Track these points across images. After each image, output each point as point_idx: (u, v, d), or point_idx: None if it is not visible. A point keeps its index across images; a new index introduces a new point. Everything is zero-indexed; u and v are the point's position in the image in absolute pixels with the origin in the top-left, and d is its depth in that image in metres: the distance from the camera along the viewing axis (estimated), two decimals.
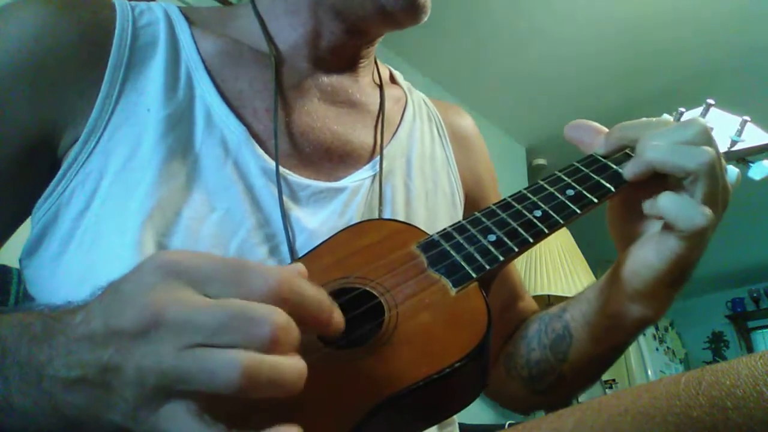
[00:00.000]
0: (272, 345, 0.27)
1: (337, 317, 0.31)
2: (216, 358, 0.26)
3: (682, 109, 0.58)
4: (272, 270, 0.29)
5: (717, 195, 0.41)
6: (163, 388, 0.27)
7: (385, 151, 0.60)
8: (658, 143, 0.43)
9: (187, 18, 0.57)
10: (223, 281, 0.29)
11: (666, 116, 0.50)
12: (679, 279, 0.44)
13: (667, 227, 0.42)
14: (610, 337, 0.51)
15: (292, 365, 0.27)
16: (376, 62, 0.69)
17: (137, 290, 0.29)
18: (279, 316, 0.27)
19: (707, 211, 0.39)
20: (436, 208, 0.61)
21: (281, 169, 0.52)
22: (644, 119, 0.47)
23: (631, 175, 0.44)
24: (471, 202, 0.68)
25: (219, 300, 0.28)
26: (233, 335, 0.27)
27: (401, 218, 0.57)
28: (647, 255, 0.43)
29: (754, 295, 4.94)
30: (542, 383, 0.58)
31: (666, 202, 0.40)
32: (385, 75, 0.70)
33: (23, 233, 0.50)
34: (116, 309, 0.29)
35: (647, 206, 0.42)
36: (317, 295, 0.30)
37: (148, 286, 0.28)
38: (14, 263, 0.55)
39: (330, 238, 0.45)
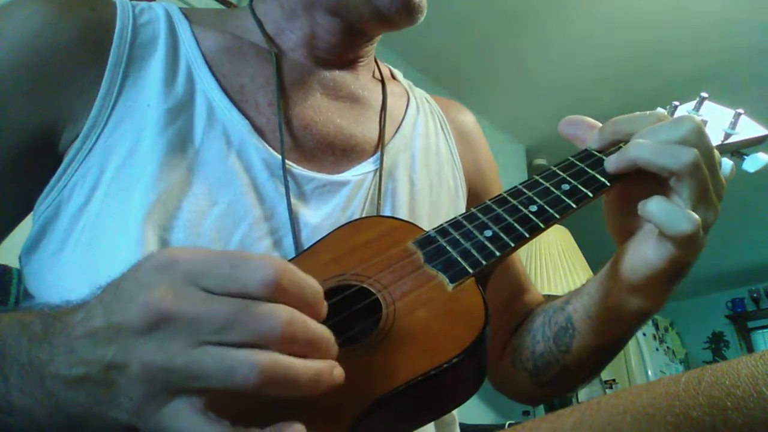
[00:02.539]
0: (283, 342, 0.27)
1: (325, 306, 0.32)
2: (234, 357, 0.27)
3: (676, 103, 0.58)
4: (269, 261, 0.29)
5: (706, 192, 0.41)
6: (169, 385, 0.27)
7: (389, 145, 0.60)
8: (644, 141, 0.43)
9: (187, 17, 0.57)
10: (220, 275, 0.29)
11: (660, 110, 0.50)
12: (678, 274, 0.44)
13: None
14: (611, 328, 0.52)
15: (307, 365, 0.28)
16: (376, 61, 0.69)
17: (138, 288, 0.29)
18: (285, 312, 0.28)
19: (694, 216, 0.39)
20: (439, 202, 0.61)
21: (286, 162, 0.52)
22: (638, 113, 0.47)
23: (612, 168, 0.44)
24: (474, 197, 0.69)
25: (224, 297, 0.28)
26: (241, 332, 0.27)
27: (404, 212, 0.57)
28: (646, 253, 0.43)
29: (754, 295, 4.94)
30: (546, 375, 0.58)
31: (653, 208, 0.40)
32: (386, 73, 0.71)
33: (24, 232, 0.50)
34: (118, 307, 0.29)
35: (639, 208, 0.42)
36: (312, 284, 0.31)
37: (148, 284, 0.29)
38: (14, 263, 0.55)
39: (327, 235, 0.45)
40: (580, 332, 0.54)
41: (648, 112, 0.47)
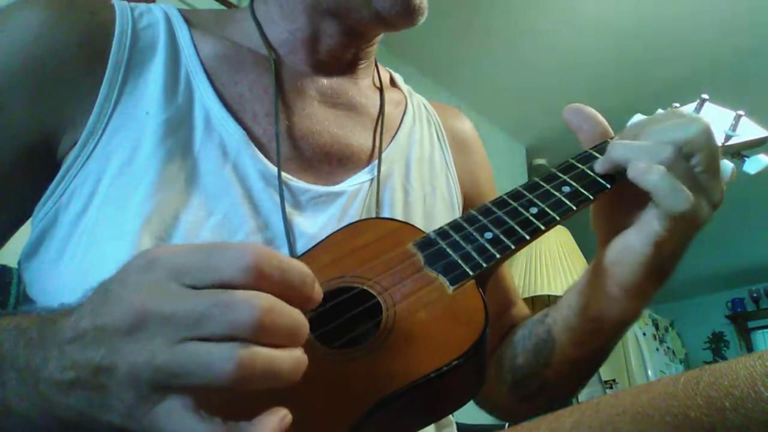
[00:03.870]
0: (260, 331, 0.27)
1: (318, 289, 0.31)
2: (210, 351, 0.26)
3: (677, 104, 0.58)
4: (248, 247, 0.28)
5: (694, 190, 0.41)
6: (158, 385, 0.27)
7: (384, 155, 0.60)
8: (626, 142, 0.44)
9: (186, 20, 0.57)
10: (200, 267, 0.28)
11: (660, 112, 0.50)
12: (661, 269, 0.43)
13: (650, 211, 0.42)
14: (592, 339, 0.51)
15: (287, 356, 0.27)
16: (376, 65, 0.69)
17: (122, 289, 0.29)
18: (261, 299, 0.27)
19: (690, 196, 0.40)
20: (433, 212, 0.61)
21: (282, 173, 0.52)
22: (658, 114, 0.47)
23: (600, 170, 0.45)
24: (470, 205, 0.68)
25: (198, 290, 0.28)
26: (216, 324, 0.27)
27: None
28: (629, 239, 0.43)
29: (754, 295, 4.93)
30: (526, 389, 0.57)
31: (656, 178, 0.40)
32: (386, 78, 0.70)
33: (25, 234, 0.50)
34: (104, 309, 0.29)
35: (634, 172, 0.42)
36: (298, 267, 0.30)
37: (133, 284, 0.29)
38: (14, 263, 0.55)
39: (326, 237, 0.46)
40: (561, 344, 0.53)
41: (669, 110, 0.47)
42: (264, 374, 0.27)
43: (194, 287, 0.28)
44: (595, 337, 0.51)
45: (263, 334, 0.27)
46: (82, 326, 0.29)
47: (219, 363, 0.26)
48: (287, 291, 0.29)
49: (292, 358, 0.28)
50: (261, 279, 0.28)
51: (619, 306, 0.46)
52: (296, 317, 0.29)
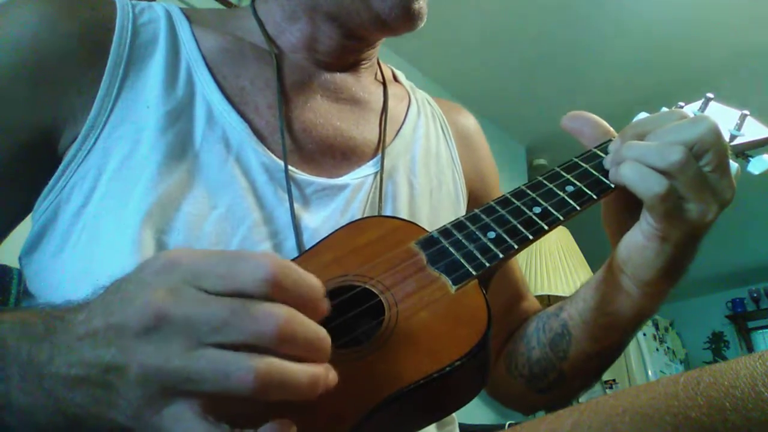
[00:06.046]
0: (280, 341, 0.27)
1: (326, 302, 0.31)
2: (229, 361, 0.26)
3: (682, 104, 0.57)
4: (268, 259, 0.29)
5: (699, 188, 0.41)
6: (167, 388, 0.27)
7: (388, 149, 0.60)
8: (635, 142, 0.44)
9: (187, 17, 0.57)
10: (219, 274, 0.28)
11: (664, 110, 0.50)
12: (672, 266, 0.44)
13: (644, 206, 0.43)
14: (608, 334, 0.52)
15: (304, 370, 0.27)
16: (378, 63, 0.69)
17: (139, 289, 0.29)
18: (281, 310, 0.27)
19: (662, 178, 0.41)
20: (439, 206, 0.61)
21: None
22: (662, 113, 0.47)
23: (610, 166, 0.46)
24: (474, 200, 0.68)
25: (221, 297, 0.28)
26: (236, 332, 0.27)
27: (404, 215, 0.56)
28: (635, 237, 0.44)
29: (754, 295, 4.93)
30: (543, 382, 0.58)
31: (626, 171, 0.42)
32: (388, 74, 0.70)
33: (24, 232, 0.50)
34: (118, 307, 0.29)
35: (612, 173, 0.44)
36: (311, 280, 0.30)
37: (149, 285, 0.28)
38: (14, 263, 0.55)
39: (329, 235, 0.45)
40: (577, 338, 0.53)
41: (672, 109, 0.47)
42: (281, 386, 0.27)
43: (212, 293, 0.28)
44: (611, 333, 0.51)
45: (283, 344, 0.27)
46: (94, 324, 0.29)
47: (238, 372, 0.26)
48: (300, 303, 0.29)
49: (309, 372, 0.28)
50: (277, 290, 0.28)
51: (634, 302, 0.47)
52: (315, 329, 0.29)
